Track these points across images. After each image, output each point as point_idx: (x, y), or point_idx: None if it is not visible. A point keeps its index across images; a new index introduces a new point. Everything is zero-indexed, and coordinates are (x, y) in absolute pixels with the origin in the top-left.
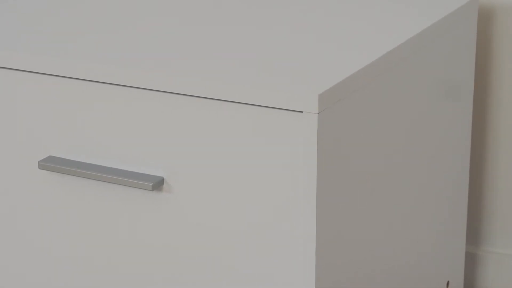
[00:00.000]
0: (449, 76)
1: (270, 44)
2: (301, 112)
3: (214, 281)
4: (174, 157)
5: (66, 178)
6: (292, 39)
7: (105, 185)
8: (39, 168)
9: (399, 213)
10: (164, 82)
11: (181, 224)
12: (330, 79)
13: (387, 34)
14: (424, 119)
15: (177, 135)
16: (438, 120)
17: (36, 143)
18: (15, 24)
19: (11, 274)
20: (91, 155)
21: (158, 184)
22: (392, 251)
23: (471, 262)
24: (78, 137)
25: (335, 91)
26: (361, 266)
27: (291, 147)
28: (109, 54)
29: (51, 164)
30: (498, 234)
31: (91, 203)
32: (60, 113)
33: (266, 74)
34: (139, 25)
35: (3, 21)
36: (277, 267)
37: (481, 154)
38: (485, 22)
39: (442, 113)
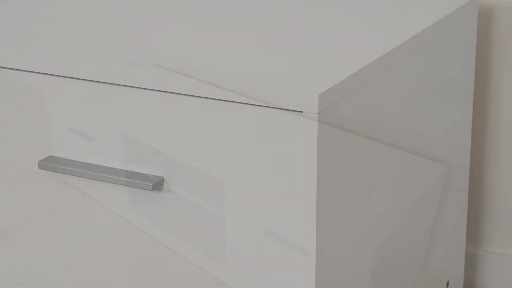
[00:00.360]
0: (449, 76)
1: (270, 44)
2: (301, 112)
3: (214, 281)
4: (174, 157)
5: (66, 178)
6: (292, 39)
7: (106, 185)
8: (39, 168)
9: (399, 213)
10: (164, 82)
11: (181, 224)
12: (330, 79)
13: (387, 34)
14: (424, 119)
15: (177, 135)
16: (438, 120)
17: (36, 143)
18: (15, 24)
19: (11, 274)
20: (91, 155)
21: (158, 184)
22: (392, 251)
23: (471, 262)
24: (78, 137)
25: (335, 91)
26: (361, 266)
27: (291, 147)
28: (109, 54)
29: (51, 164)
30: (498, 234)
31: (91, 203)
32: (60, 113)
33: (266, 74)
34: (139, 24)
35: (3, 21)
36: (277, 267)
37: (481, 154)
38: (485, 22)
39: (442, 113)
